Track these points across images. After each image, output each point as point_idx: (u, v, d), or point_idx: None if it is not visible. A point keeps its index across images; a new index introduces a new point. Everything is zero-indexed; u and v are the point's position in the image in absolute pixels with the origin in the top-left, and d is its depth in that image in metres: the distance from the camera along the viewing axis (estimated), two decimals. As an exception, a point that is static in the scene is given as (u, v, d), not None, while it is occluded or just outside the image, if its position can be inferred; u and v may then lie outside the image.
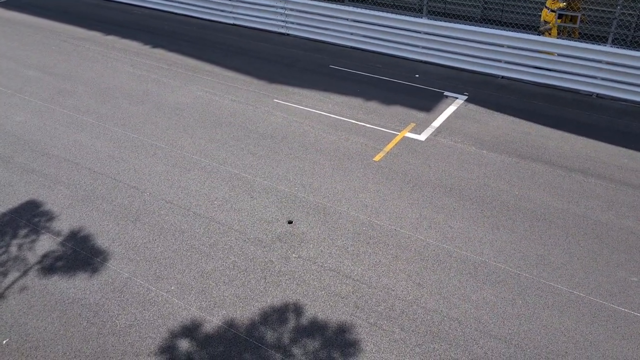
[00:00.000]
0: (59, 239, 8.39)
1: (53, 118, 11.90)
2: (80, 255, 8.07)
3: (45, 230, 8.58)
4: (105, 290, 7.44)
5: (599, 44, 11.98)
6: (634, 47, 12.45)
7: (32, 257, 8.06)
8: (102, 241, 8.32)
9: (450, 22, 13.87)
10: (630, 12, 13.27)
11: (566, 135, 10.83)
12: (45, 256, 8.08)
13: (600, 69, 11.92)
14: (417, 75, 13.55)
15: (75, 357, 6.55)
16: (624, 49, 11.81)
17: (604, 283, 7.31)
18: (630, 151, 10.25)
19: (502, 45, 12.91)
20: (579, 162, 9.93)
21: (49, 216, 8.90)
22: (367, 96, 12.56)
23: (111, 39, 16.67)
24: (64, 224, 8.70)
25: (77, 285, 7.53)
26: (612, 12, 13.22)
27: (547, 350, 6.41)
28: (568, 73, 12.37)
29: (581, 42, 12.18)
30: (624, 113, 11.66)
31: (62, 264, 7.92)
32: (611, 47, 11.76)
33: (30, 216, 8.92)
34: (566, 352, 6.38)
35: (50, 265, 7.89)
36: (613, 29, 11.89)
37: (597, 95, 12.31)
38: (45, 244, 8.32)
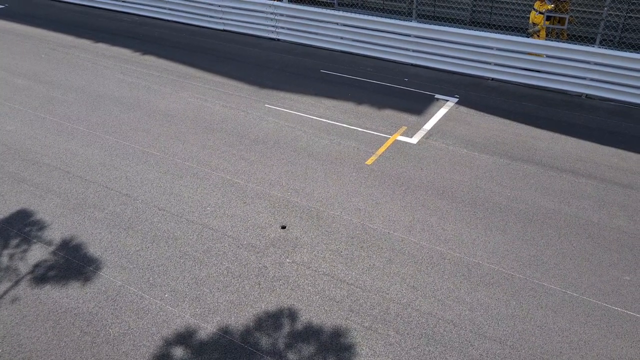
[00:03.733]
0: (51, 248, 8.33)
1: (43, 126, 11.83)
2: (73, 264, 8.01)
3: (36, 240, 8.52)
4: (98, 299, 7.39)
5: (587, 45, 12.11)
6: (622, 48, 12.58)
7: (24, 267, 8.00)
8: (94, 250, 8.27)
9: (440, 25, 13.94)
10: (617, 13, 13.41)
11: (556, 136, 10.90)
12: (37, 266, 8.01)
13: (589, 70, 12.02)
14: (406, 79, 13.60)
15: (68, 367, 6.50)
16: (612, 49, 11.94)
17: (597, 282, 7.36)
18: (620, 151, 10.34)
19: (491, 48, 12.99)
20: (569, 163, 10.00)
21: (41, 225, 8.84)
22: (358, 100, 12.59)
23: (101, 46, 16.62)
24: (55, 233, 8.64)
25: (69, 295, 7.47)
26: (599, 13, 13.35)
27: (542, 351, 6.43)
28: (557, 74, 12.47)
29: (569, 43, 12.29)
30: (613, 113, 11.76)
31: (55, 273, 7.86)
32: (599, 48, 11.87)
33: (21, 226, 8.85)
34: (561, 352, 6.40)
35: (43, 275, 7.83)
36: (600, 30, 12.01)
37: (586, 95, 12.41)
38: (37, 253, 8.26)
